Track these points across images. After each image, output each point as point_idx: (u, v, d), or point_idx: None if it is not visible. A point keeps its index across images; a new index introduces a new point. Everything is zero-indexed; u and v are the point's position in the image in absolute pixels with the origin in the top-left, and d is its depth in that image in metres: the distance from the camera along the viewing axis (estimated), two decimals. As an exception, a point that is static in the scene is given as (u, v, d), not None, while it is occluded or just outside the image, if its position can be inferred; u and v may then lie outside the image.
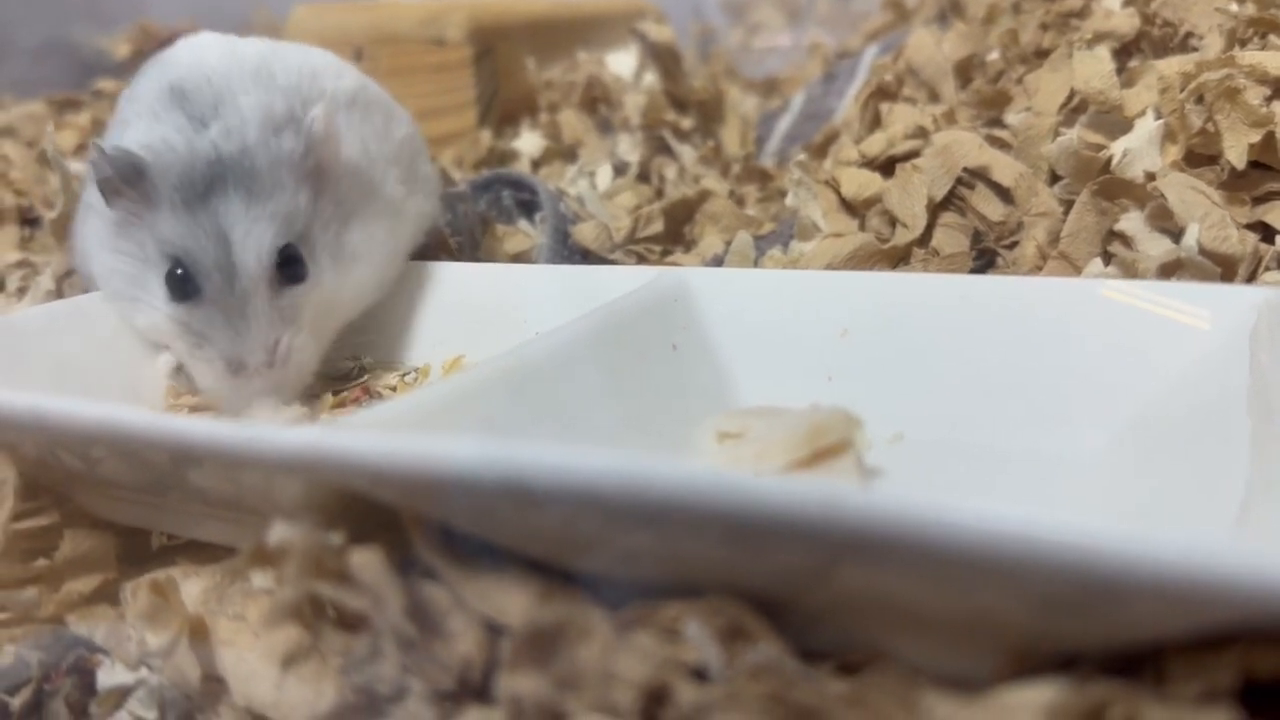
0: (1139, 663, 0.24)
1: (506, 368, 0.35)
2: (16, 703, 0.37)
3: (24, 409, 0.32)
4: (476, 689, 0.27)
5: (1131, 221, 0.48)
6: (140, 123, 0.47)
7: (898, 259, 0.53)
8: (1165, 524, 0.30)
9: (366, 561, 0.27)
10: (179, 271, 0.44)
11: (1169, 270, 0.42)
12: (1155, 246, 0.46)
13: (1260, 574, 0.20)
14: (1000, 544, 0.21)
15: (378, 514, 0.30)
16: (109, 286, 0.48)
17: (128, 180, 0.45)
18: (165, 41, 1.18)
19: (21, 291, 0.62)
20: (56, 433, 0.33)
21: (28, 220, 0.81)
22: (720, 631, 0.26)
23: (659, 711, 0.25)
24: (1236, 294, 0.37)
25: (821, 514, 0.22)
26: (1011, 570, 0.22)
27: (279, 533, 0.28)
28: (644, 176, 0.73)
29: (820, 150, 0.73)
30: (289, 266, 0.45)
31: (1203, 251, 0.41)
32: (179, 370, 0.47)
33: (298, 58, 0.51)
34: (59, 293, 0.58)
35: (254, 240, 0.44)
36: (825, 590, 0.26)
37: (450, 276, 0.53)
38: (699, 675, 0.25)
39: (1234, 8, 0.58)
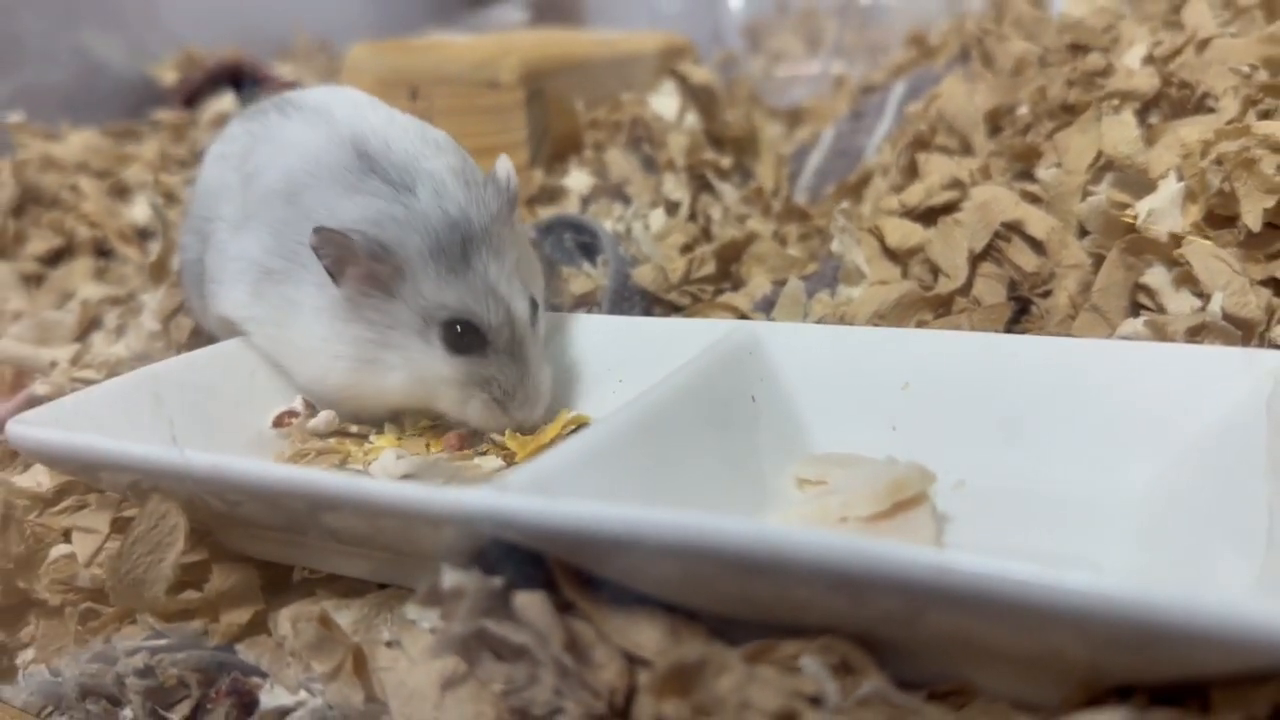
0: (1186, 693, 0.29)
1: (623, 425, 0.40)
2: (175, 717, 0.42)
3: (206, 467, 0.37)
4: (620, 712, 0.32)
5: (1156, 276, 0.53)
6: (331, 190, 0.49)
7: (940, 306, 0.58)
8: (1195, 576, 0.35)
9: (531, 602, 0.32)
10: (460, 330, 0.48)
11: (1195, 332, 0.47)
12: (1180, 303, 0.51)
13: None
14: (1077, 602, 0.26)
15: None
16: (333, 352, 0.50)
17: (377, 259, 0.47)
18: (211, 70, 1.22)
19: (120, 329, 0.67)
20: (239, 489, 0.37)
21: (102, 252, 0.86)
22: (833, 666, 0.31)
23: (787, 734, 0.30)
24: (1258, 358, 0.42)
25: (934, 578, 0.27)
26: (1083, 622, 0.27)
27: (451, 577, 0.33)
28: (691, 216, 0.78)
29: (854, 190, 0.78)
30: (533, 310, 0.51)
31: (1226, 316, 0.46)
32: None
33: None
34: (165, 332, 0.63)
35: (518, 295, 0.49)
36: (921, 631, 0.31)
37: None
38: (817, 705, 0.30)
39: (1246, 69, 0.63)
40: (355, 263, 0.48)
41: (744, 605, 0.33)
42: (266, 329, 0.53)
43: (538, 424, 0.51)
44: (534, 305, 0.51)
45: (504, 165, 0.53)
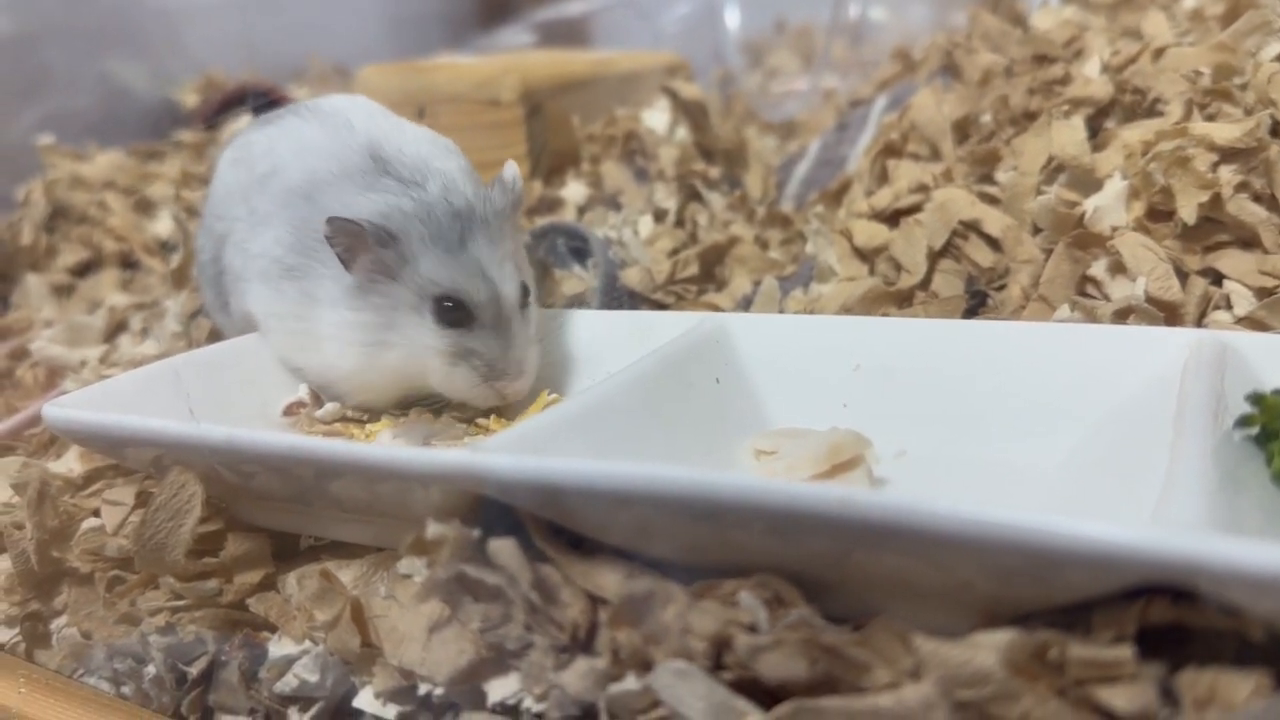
0: (1075, 619, 0.33)
1: (594, 400, 0.44)
2: (194, 671, 0.46)
3: (220, 438, 0.42)
4: (583, 644, 0.36)
5: (1100, 267, 0.57)
6: (347, 189, 0.54)
7: (902, 300, 0.62)
8: (1104, 514, 0.39)
9: (502, 548, 0.37)
10: (449, 305, 0.52)
11: (1123, 315, 0.51)
12: (1120, 290, 0.55)
13: (1147, 549, 0.29)
14: (970, 529, 0.30)
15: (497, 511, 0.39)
16: (345, 338, 0.54)
17: (384, 245, 0.52)
18: (231, 93, 1.28)
19: (144, 332, 0.72)
20: (248, 457, 0.42)
21: (127, 263, 0.91)
22: (766, 600, 0.35)
23: (723, 656, 0.34)
24: (1172, 335, 0.46)
25: (840, 509, 0.31)
26: (978, 547, 0.31)
27: (434, 529, 0.37)
28: (679, 222, 0.82)
29: (835, 197, 0.82)
30: (523, 295, 0.55)
31: (1149, 300, 0.50)
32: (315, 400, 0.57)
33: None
34: (186, 333, 0.68)
35: (508, 277, 0.54)
36: (843, 569, 0.35)
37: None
38: (751, 631, 0.34)
39: (1194, 75, 0.67)
40: (365, 249, 0.52)
41: (694, 552, 0.37)
42: (287, 323, 0.57)
43: (519, 397, 0.55)
44: (525, 291, 0.56)
45: (510, 169, 0.58)
